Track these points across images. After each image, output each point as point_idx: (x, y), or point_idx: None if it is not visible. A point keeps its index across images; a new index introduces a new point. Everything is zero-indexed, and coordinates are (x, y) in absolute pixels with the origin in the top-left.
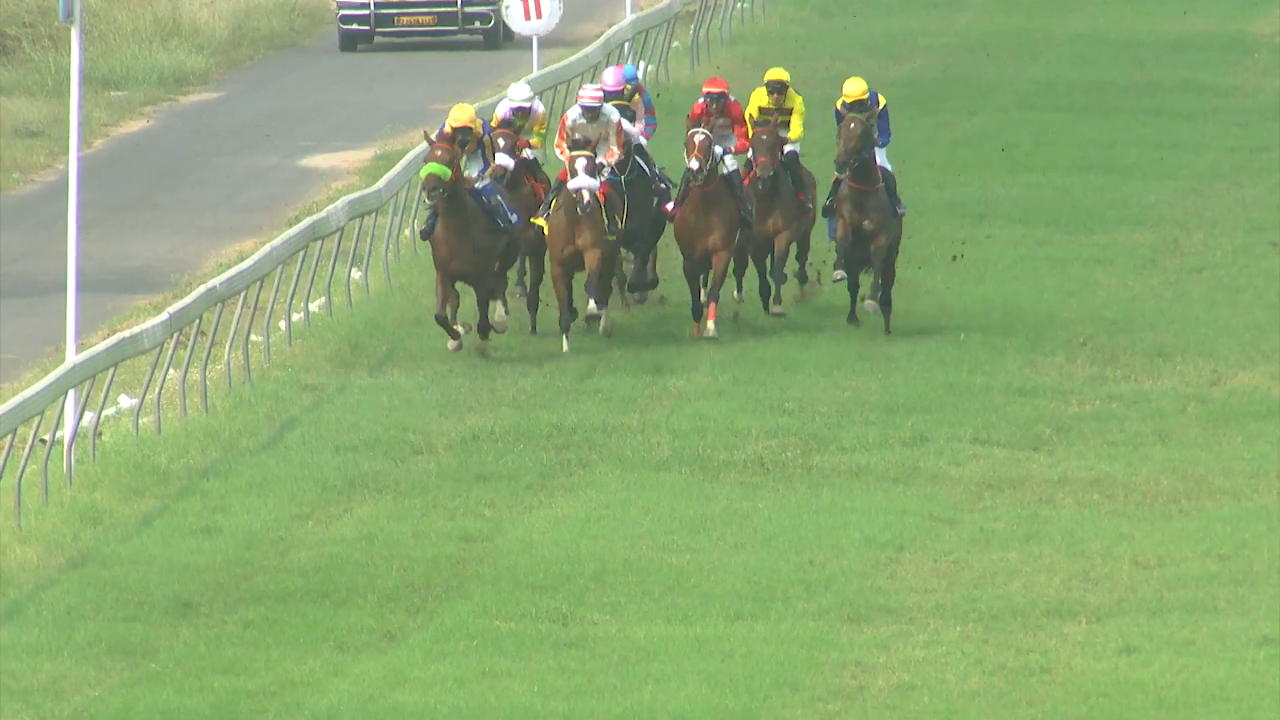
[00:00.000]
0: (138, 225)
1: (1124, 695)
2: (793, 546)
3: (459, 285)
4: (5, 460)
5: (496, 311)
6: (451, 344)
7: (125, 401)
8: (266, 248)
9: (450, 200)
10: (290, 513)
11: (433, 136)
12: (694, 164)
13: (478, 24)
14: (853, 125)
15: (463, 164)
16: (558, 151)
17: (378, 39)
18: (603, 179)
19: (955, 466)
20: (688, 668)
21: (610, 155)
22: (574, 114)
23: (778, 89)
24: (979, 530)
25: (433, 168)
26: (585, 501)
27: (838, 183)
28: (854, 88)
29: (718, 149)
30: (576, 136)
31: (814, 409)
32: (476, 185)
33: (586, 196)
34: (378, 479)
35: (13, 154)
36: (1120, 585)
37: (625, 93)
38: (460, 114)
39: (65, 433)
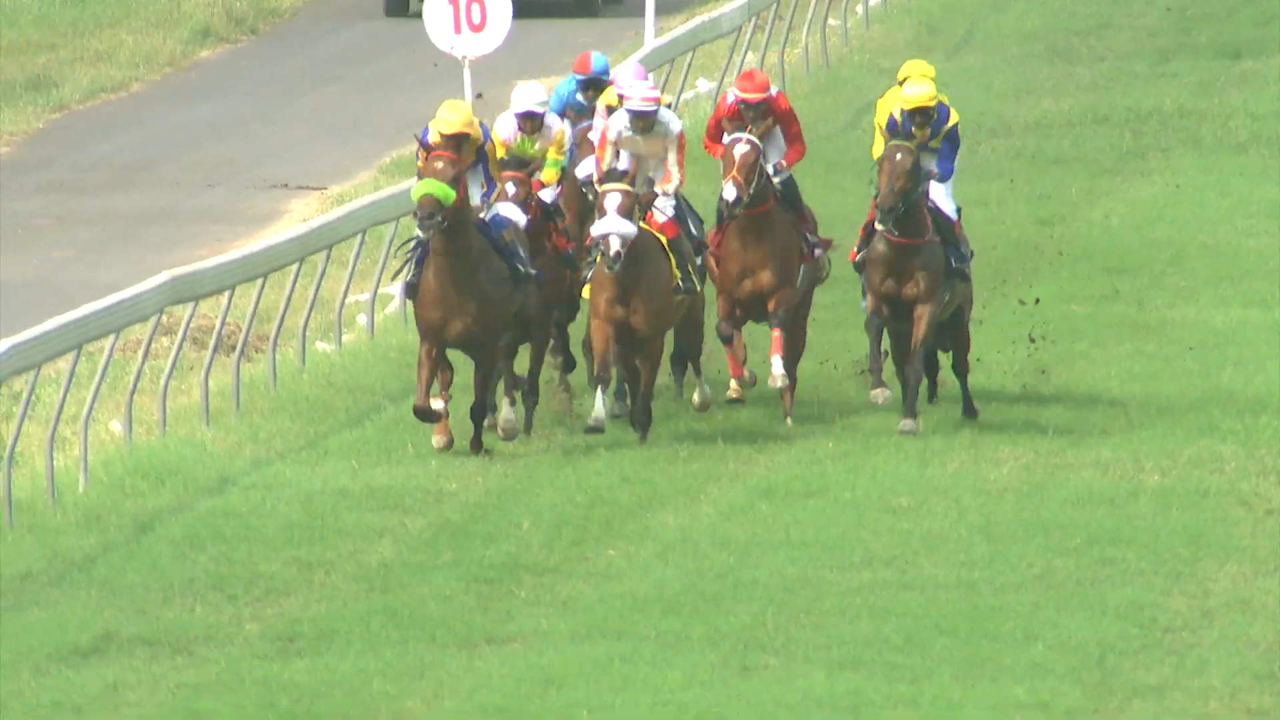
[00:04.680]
0: None
1: None
2: None
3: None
4: None
5: (503, 409)
6: (438, 439)
7: (703, 85)
8: None
9: (451, 235)
10: (867, 194)
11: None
12: (730, 191)
13: None
14: (899, 156)
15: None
16: (596, 181)
17: None
18: (667, 213)
19: None
20: (1267, 352)
21: (668, 179)
22: (619, 123)
23: None
24: None
25: (430, 186)
26: (1162, 185)
27: (870, 233)
28: (917, 91)
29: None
30: (621, 156)
31: None
32: (483, 215)
33: (615, 246)
34: None
35: None
36: None
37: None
38: (452, 115)
39: None
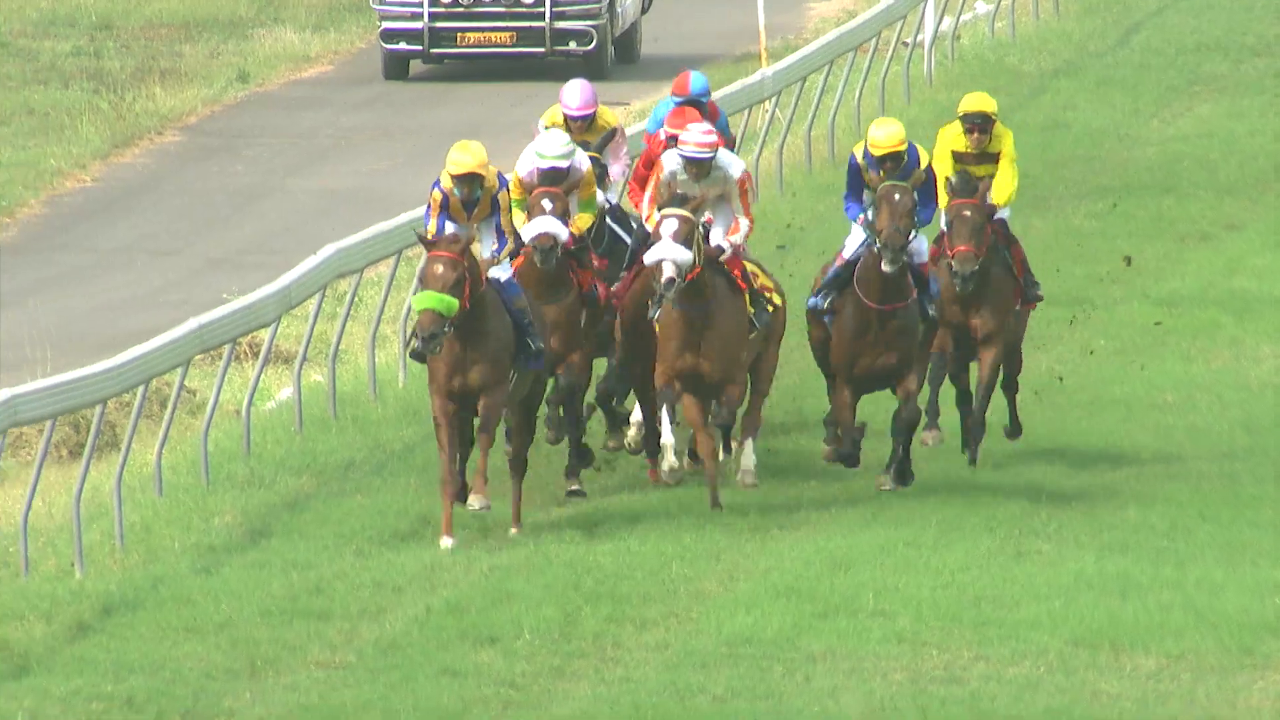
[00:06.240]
0: None
1: None
2: None
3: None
4: (870, 61)
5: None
6: (476, 501)
7: (981, 8)
8: None
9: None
10: (1135, 109)
11: (429, 228)
12: (667, 274)
13: (573, 44)
14: (899, 196)
15: (474, 237)
16: (646, 219)
17: (433, 61)
18: (727, 254)
19: None
20: None
21: (735, 230)
22: (671, 163)
23: (979, 124)
24: None
25: (430, 300)
26: None
27: (841, 284)
28: (886, 134)
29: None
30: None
31: None
32: (493, 272)
33: (668, 272)
34: (1218, 79)
35: None
36: None
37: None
38: (464, 155)
39: (925, 36)
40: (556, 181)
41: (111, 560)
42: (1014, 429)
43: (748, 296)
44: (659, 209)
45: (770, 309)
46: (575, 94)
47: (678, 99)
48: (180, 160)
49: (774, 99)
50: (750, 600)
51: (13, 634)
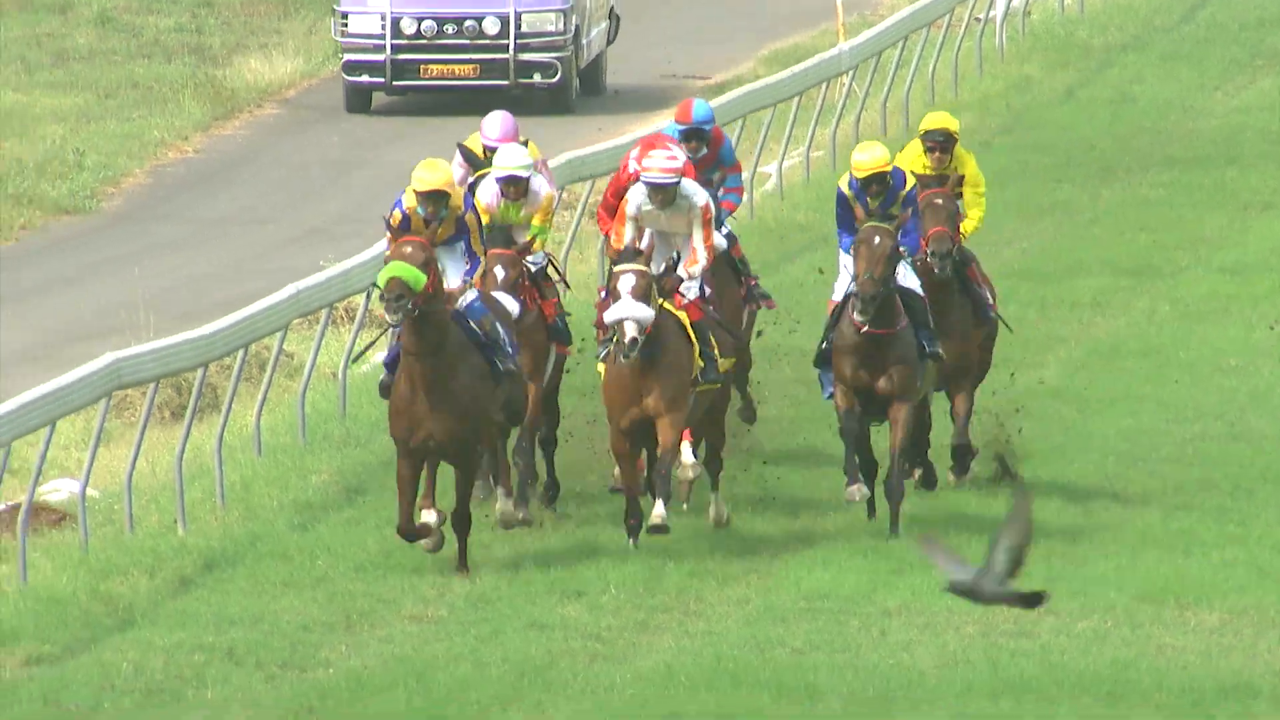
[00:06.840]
0: None
1: None
2: None
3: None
4: (944, 36)
5: (498, 501)
6: (428, 543)
7: None
8: None
9: (422, 330)
10: (1199, 83)
11: (394, 218)
12: (630, 334)
13: (537, 76)
14: (878, 240)
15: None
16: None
17: (397, 94)
18: (690, 295)
19: None
20: None
21: (693, 260)
22: (637, 195)
23: (940, 143)
24: None
25: (398, 270)
26: None
27: (836, 317)
28: (870, 156)
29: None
30: (645, 235)
31: None
32: (459, 302)
33: (631, 333)
34: None
35: None
36: None
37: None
38: (430, 174)
39: (996, 12)
40: (518, 193)
41: (212, 517)
42: (958, 467)
43: (696, 348)
44: (613, 265)
45: (717, 371)
46: (495, 125)
47: (681, 127)
48: (278, 133)
49: (851, 73)
50: (828, 557)
51: (118, 588)
